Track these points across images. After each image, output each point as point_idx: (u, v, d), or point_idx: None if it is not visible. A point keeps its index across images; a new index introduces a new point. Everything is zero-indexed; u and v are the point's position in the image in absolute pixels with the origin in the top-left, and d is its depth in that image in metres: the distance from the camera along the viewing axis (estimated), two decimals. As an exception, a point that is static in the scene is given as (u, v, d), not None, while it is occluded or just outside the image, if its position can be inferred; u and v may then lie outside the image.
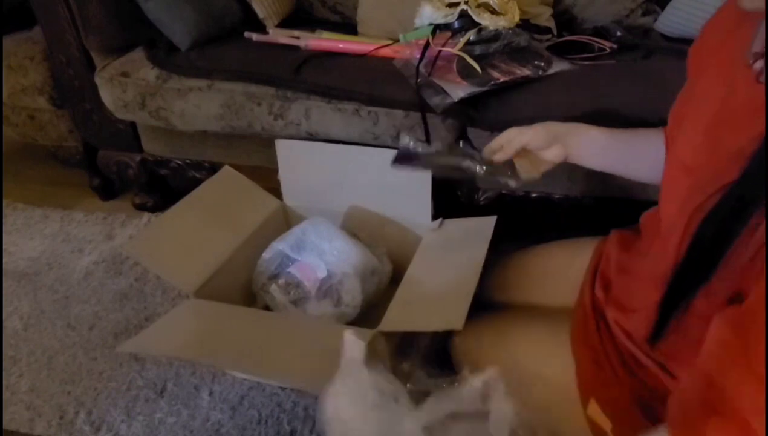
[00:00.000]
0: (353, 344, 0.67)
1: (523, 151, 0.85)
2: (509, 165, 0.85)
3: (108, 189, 1.76)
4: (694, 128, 0.67)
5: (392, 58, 1.35)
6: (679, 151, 0.70)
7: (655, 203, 0.80)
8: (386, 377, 0.64)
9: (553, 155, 0.84)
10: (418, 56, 1.27)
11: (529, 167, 0.86)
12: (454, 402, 0.67)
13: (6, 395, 1.17)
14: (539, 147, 0.84)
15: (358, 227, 1.24)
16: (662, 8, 1.45)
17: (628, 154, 0.85)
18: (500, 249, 1.03)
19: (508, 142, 0.84)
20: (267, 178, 1.31)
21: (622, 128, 0.85)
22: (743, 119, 0.59)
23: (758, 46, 0.60)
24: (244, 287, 1.18)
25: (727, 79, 0.63)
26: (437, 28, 1.31)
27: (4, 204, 1.72)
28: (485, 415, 0.65)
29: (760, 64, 0.59)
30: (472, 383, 0.68)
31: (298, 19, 1.67)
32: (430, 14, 1.33)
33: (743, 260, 0.54)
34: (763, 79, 0.59)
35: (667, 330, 0.61)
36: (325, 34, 1.48)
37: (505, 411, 0.64)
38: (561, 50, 1.35)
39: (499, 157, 0.85)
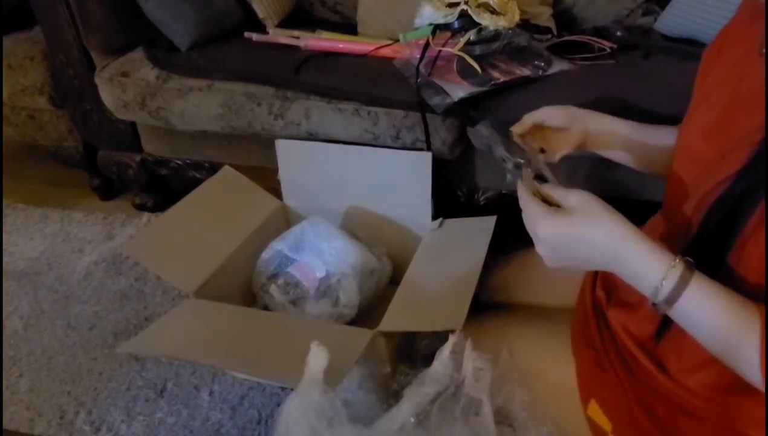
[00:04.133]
0: (316, 356, 0.66)
1: (540, 135, 0.84)
2: (527, 151, 0.80)
3: (108, 189, 1.76)
4: (704, 117, 0.66)
5: (392, 58, 1.35)
6: (687, 140, 0.70)
7: (654, 202, 0.79)
8: (330, 400, 0.63)
9: (572, 137, 0.83)
10: (418, 56, 1.27)
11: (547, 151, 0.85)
12: (435, 383, 0.66)
13: (6, 395, 1.17)
14: (556, 125, 0.83)
15: (357, 226, 1.24)
16: (662, 8, 1.45)
17: (645, 147, 0.83)
18: (500, 249, 1.03)
19: (527, 117, 0.83)
20: (267, 178, 1.32)
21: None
22: (753, 106, 0.59)
23: None
24: (244, 287, 1.18)
25: (740, 69, 0.63)
26: (437, 28, 1.31)
27: (4, 204, 1.72)
28: (461, 383, 0.64)
29: None
30: (442, 354, 0.68)
31: (298, 19, 1.67)
32: (430, 14, 1.33)
33: (749, 250, 0.54)
34: None
35: (673, 324, 0.60)
36: (325, 34, 1.48)
37: (477, 369, 0.64)
38: (561, 50, 1.35)
39: (516, 129, 0.83)
